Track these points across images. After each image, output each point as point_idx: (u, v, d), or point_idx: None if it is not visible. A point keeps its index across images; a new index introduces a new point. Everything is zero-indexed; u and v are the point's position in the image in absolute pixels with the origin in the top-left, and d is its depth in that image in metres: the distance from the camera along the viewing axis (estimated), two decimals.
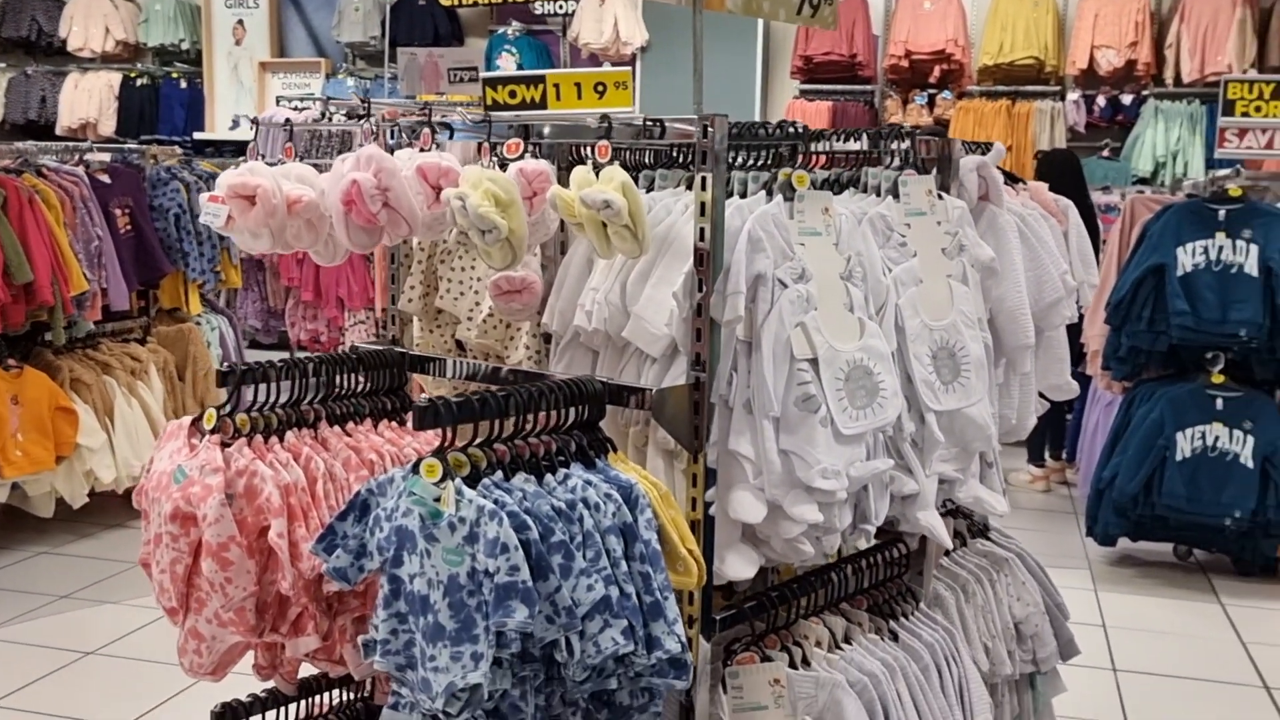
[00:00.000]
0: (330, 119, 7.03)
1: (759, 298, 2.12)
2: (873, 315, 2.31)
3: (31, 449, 5.54)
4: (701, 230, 2.05)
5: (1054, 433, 7.17)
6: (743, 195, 2.25)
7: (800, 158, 2.28)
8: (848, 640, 2.44)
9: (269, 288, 8.13)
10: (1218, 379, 5.42)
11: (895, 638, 2.52)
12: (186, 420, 2.18)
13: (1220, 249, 5.34)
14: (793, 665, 2.28)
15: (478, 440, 1.91)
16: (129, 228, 6.10)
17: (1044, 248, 2.77)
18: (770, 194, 2.20)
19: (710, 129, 2.04)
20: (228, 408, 2.15)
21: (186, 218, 6.43)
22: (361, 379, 2.33)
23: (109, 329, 6.21)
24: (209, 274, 6.63)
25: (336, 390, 2.28)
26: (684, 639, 1.90)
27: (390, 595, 1.85)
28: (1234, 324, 5.29)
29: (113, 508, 6.17)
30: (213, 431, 2.12)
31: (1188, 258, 5.38)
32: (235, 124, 10.84)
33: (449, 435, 1.85)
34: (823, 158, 2.54)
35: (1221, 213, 5.37)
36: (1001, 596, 2.93)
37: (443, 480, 1.82)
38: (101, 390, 5.88)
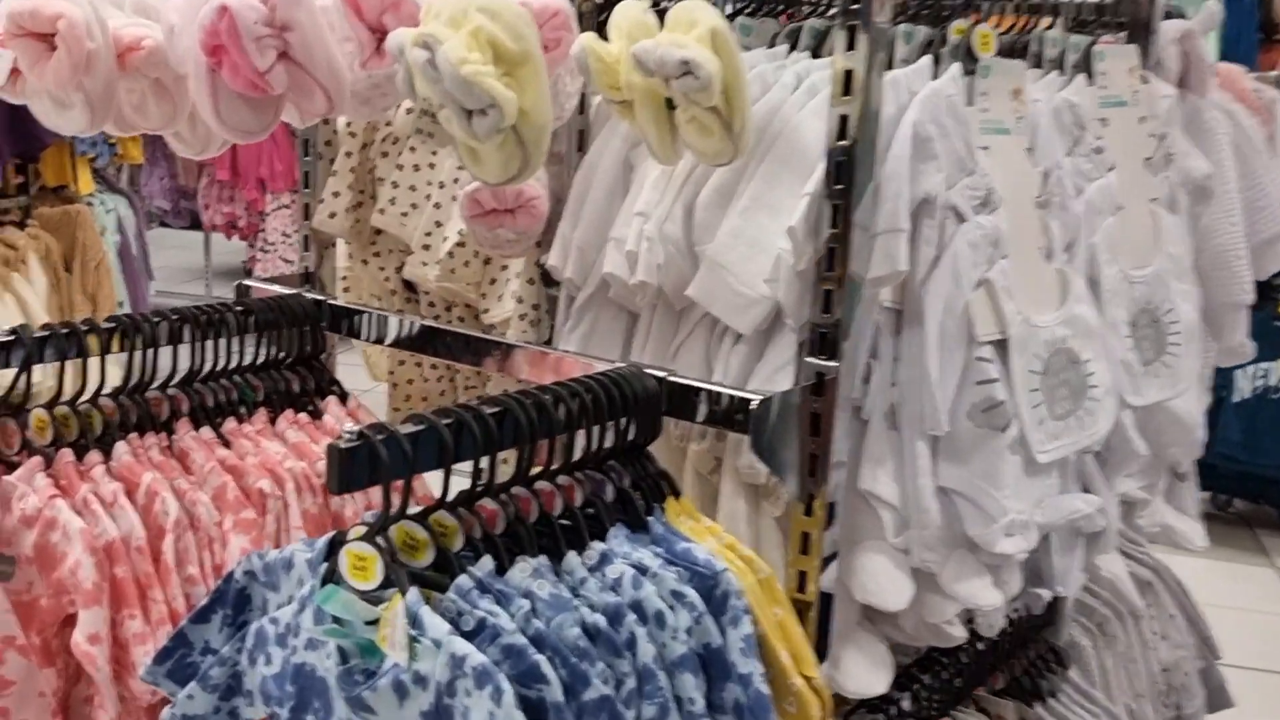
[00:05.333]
0: None
1: (922, 237, 1.26)
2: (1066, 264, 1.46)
3: None
4: (842, 121, 1.17)
5: None
6: (888, 65, 1.37)
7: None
8: None
9: (179, 164, 7.11)
10: None
11: None
12: None
13: None
14: None
15: (446, 496, 1.04)
16: None
17: (1258, 159, 1.92)
18: (938, 61, 1.33)
19: None
20: (17, 397, 1.26)
21: None
22: (252, 344, 1.45)
23: None
24: (101, 146, 5.61)
25: (208, 366, 1.40)
26: None
27: None
28: None
29: None
30: None
31: None
32: None
33: (394, 497, 0.99)
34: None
35: None
36: (1147, 637, 2.14)
37: (383, 588, 0.96)
38: None
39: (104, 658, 1.15)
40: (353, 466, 0.95)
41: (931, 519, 1.30)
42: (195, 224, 7.36)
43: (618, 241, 1.35)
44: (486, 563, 1.02)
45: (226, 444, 1.35)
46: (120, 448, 1.28)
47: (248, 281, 1.55)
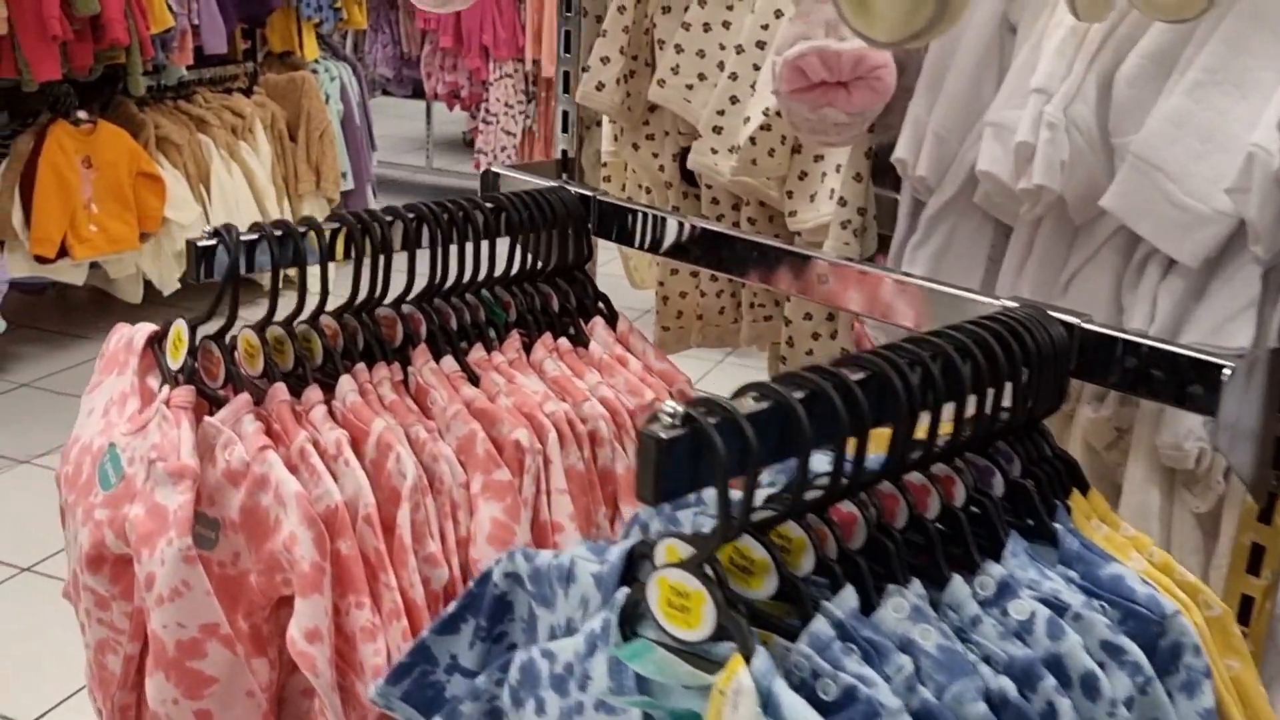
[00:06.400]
0: None
1: None
2: None
3: (109, 223, 4.56)
4: None
5: None
6: None
7: None
8: None
9: (402, 30, 6.96)
10: None
11: None
12: (145, 331, 1.04)
13: None
14: None
15: (799, 501, 0.73)
16: None
17: None
18: None
19: None
20: (216, 321, 1.01)
21: None
22: (502, 249, 1.16)
23: (206, 76, 5.09)
24: (326, 11, 5.47)
25: (448, 278, 1.11)
26: None
27: None
28: None
29: (211, 291, 5.22)
30: (182, 375, 0.98)
31: None
32: None
33: (730, 505, 0.68)
34: None
35: None
36: None
37: (715, 639, 0.66)
38: (195, 152, 4.83)
39: (324, 659, 0.90)
40: (673, 464, 0.64)
41: None
42: (418, 92, 7.21)
43: (999, 129, 0.98)
44: (848, 597, 0.71)
45: (474, 379, 1.07)
46: (345, 383, 1.01)
47: (496, 168, 1.26)
